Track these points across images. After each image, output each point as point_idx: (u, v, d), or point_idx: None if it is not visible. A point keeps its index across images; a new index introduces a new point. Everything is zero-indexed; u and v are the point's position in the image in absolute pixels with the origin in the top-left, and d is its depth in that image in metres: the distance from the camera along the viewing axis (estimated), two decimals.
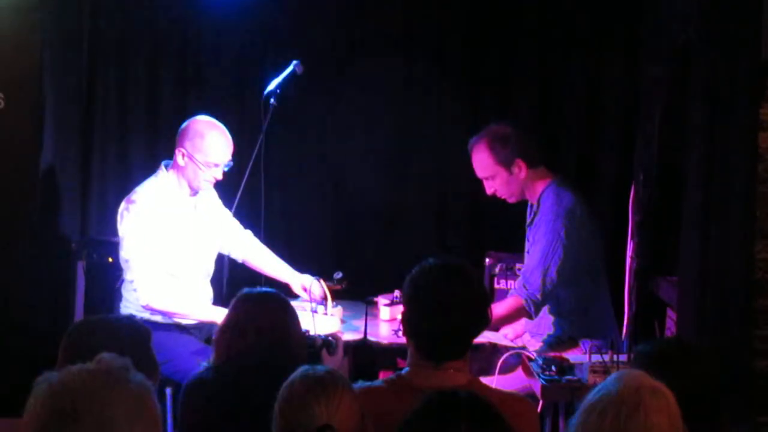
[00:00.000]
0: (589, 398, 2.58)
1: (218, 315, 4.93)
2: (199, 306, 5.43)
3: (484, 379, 3.77)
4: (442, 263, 3.45)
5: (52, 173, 6.47)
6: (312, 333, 4.65)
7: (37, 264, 6.13)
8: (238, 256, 5.77)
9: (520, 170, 5.28)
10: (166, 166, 5.42)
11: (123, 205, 5.32)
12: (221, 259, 5.77)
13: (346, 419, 2.78)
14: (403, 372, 3.42)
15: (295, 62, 5.69)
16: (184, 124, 5.37)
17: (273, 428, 2.84)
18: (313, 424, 2.71)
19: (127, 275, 5.31)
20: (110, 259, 5.67)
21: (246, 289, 4.09)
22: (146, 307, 5.26)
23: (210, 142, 5.29)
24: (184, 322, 5.40)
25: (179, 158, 5.33)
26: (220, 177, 5.39)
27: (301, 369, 2.91)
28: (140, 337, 3.32)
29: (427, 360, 3.34)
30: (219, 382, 3.75)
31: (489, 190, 5.38)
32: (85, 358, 2.26)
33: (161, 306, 5.27)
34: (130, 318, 4.45)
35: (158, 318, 5.33)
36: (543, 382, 4.39)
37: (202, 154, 5.29)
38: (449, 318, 3.32)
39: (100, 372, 2.16)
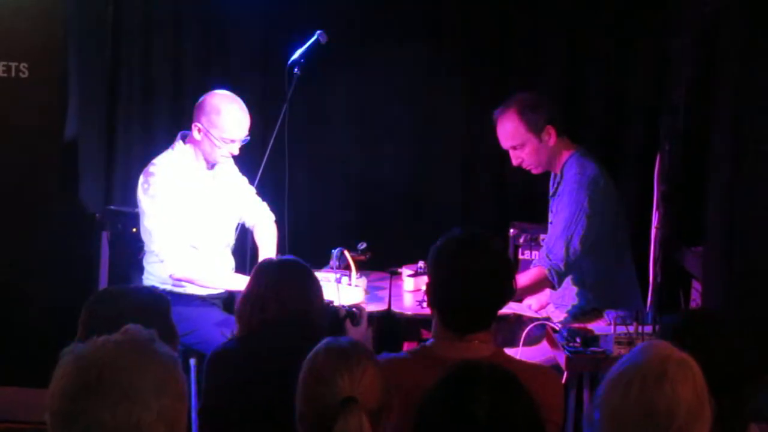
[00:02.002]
0: (614, 369, 2.58)
1: (243, 283, 4.90)
2: (223, 275, 5.44)
3: (509, 351, 3.77)
4: (467, 234, 3.45)
5: (76, 143, 6.47)
6: (336, 304, 4.65)
7: (61, 235, 6.14)
8: (249, 224, 5.78)
9: (550, 137, 5.24)
10: (183, 137, 5.42)
11: (141, 178, 5.33)
12: (245, 229, 5.77)
13: (370, 391, 2.77)
14: (427, 343, 3.43)
15: (318, 32, 5.67)
16: (201, 99, 5.35)
17: (296, 400, 2.84)
18: (337, 396, 2.71)
19: (152, 246, 5.32)
20: (135, 230, 5.65)
21: (267, 258, 4.07)
22: (172, 277, 5.27)
23: (226, 118, 5.27)
24: (206, 292, 5.41)
25: (195, 133, 5.32)
26: (236, 152, 5.38)
27: (325, 341, 2.91)
28: (159, 305, 3.33)
29: (452, 331, 3.35)
30: (242, 353, 3.76)
31: (515, 161, 5.34)
32: (105, 328, 2.26)
33: (187, 275, 5.28)
34: (149, 288, 4.46)
35: (181, 289, 5.34)
36: (567, 353, 4.39)
37: (218, 129, 5.27)
38: (474, 289, 3.33)
39: (126, 343, 2.15)
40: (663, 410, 2.46)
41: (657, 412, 2.46)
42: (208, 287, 5.37)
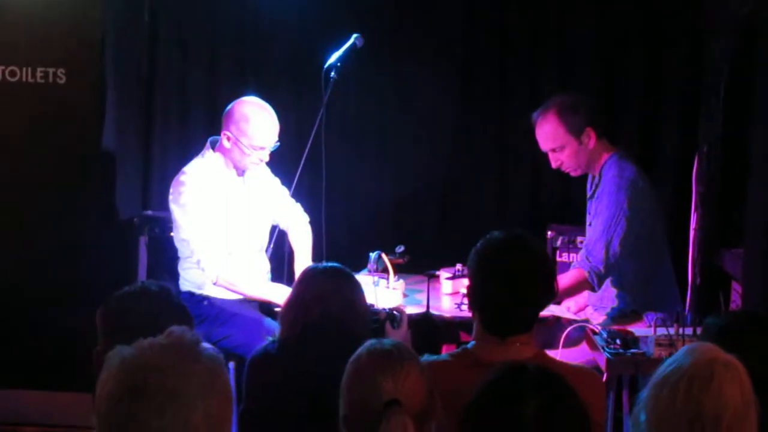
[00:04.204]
0: (659, 372, 2.56)
1: (282, 294, 4.83)
2: (264, 286, 5.41)
3: (549, 353, 3.74)
4: (508, 235, 3.43)
5: (113, 148, 6.49)
6: (375, 306, 4.65)
7: (99, 240, 6.16)
8: (283, 225, 5.77)
9: (590, 139, 5.21)
10: (213, 144, 5.42)
11: (171, 188, 5.34)
12: (282, 232, 5.77)
13: (414, 393, 2.76)
14: (468, 346, 3.41)
15: (355, 35, 5.65)
16: (230, 106, 5.35)
17: (340, 403, 2.83)
18: (381, 398, 2.70)
19: (193, 256, 5.31)
20: (172, 234, 5.67)
21: (312, 264, 4.08)
22: (216, 284, 5.27)
23: (255, 126, 5.27)
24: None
25: (225, 141, 5.32)
26: (266, 159, 5.38)
27: (368, 343, 2.89)
28: (167, 294, 3.35)
29: (493, 334, 3.33)
30: (284, 357, 3.77)
31: (555, 163, 5.31)
32: (123, 328, 2.27)
33: (230, 281, 5.27)
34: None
35: (218, 294, 5.34)
36: (608, 355, 4.37)
37: (247, 137, 5.26)
38: (516, 291, 3.31)
39: (171, 346, 2.15)
40: (710, 412, 2.45)
41: (704, 414, 2.45)
42: (247, 295, 5.36)
